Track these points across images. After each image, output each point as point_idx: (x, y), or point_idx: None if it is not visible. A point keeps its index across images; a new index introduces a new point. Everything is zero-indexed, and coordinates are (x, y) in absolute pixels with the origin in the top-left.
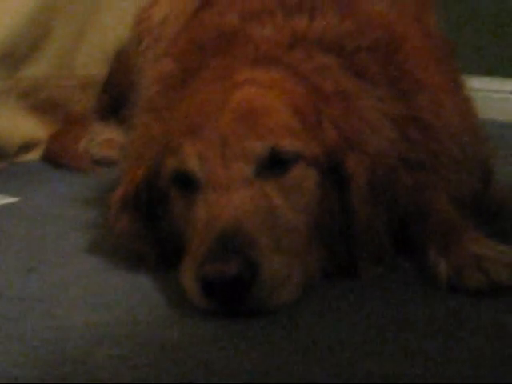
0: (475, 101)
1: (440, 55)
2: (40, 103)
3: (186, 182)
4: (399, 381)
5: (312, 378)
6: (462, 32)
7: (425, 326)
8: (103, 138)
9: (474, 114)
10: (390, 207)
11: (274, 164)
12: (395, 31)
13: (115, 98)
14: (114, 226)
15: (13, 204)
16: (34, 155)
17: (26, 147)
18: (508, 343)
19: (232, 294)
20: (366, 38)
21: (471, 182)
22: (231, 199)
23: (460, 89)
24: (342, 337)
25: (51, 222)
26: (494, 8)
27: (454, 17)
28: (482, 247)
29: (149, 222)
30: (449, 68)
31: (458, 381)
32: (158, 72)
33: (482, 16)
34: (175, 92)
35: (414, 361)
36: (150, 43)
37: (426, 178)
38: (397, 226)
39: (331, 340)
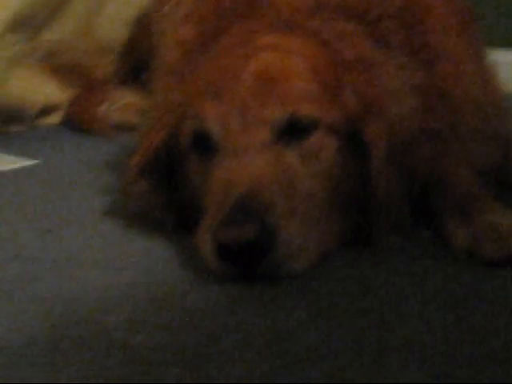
0: (498, 73)
1: (463, 25)
2: (60, 67)
3: (205, 146)
4: (415, 349)
5: (324, 345)
6: (486, 3)
7: (443, 296)
8: (123, 103)
9: (496, 85)
10: (409, 176)
11: (294, 130)
12: (418, 0)
13: (136, 62)
14: (131, 191)
15: (32, 166)
16: (53, 119)
17: (46, 111)
18: None
19: (248, 259)
20: (389, 6)
21: (491, 153)
22: (249, 164)
23: (482, 60)
24: (358, 305)
25: (70, 185)
26: None
27: None
28: (502, 218)
29: (167, 187)
30: (471, 38)
31: (476, 351)
32: (179, 36)
33: None
34: (196, 56)
35: (428, 330)
36: (172, 8)
37: (446, 148)
38: (416, 195)
39: (347, 307)
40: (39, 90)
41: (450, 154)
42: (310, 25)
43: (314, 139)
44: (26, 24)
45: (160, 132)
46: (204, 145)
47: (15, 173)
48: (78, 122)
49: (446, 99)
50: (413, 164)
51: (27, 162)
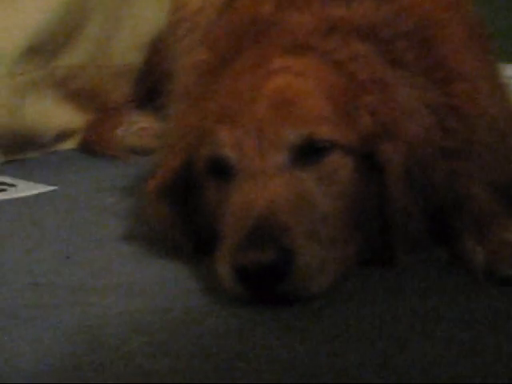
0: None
1: (476, 42)
2: (76, 92)
3: (221, 170)
4: (433, 370)
5: (342, 368)
6: (499, 19)
7: (461, 316)
8: (139, 127)
9: (510, 102)
10: (426, 195)
11: (310, 152)
12: (432, 18)
13: (151, 86)
14: (149, 216)
15: (50, 192)
16: (70, 144)
17: (63, 136)
18: None
19: (267, 282)
20: (403, 26)
21: (508, 170)
22: (266, 187)
23: (496, 77)
24: (376, 326)
25: (88, 210)
26: None
27: (492, 3)
28: None
29: (185, 211)
30: (485, 55)
31: (492, 371)
32: (194, 60)
33: None
34: (211, 80)
35: (448, 351)
36: (186, 32)
37: (463, 166)
38: (433, 215)
39: (363, 330)
40: (55, 115)
41: (467, 172)
42: (323, 47)
43: (330, 161)
44: (41, 50)
45: (177, 157)
46: (220, 169)
47: (34, 199)
48: (94, 147)
49: (461, 118)
50: (429, 183)
51: (45, 188)
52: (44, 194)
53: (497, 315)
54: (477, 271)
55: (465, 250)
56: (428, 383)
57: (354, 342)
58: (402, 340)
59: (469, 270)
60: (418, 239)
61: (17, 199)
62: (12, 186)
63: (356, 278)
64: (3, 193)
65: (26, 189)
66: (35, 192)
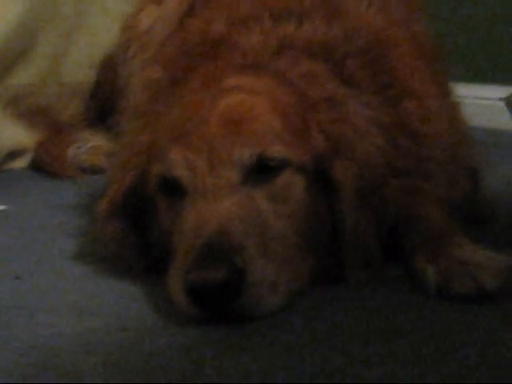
0: (464, 108)
1: (428, 61)
2: (27, 111)
3: (173, 189)
4: None
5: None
6: (450, 38)
7: (413, 333)
8: (91, 146)
9: (463, 120)
10: (378, 213)
11: (262, 170)
12: (383, 37)
13: (103, 105)
14: (101, 234)
15: (0, 212)
16: (21, 163)
17: (14, 155)
18: (497, 351)
19: (219, 301)
20: (354, 44)
21: (459, 188)
22: (218, 206)
23: (448, 95)
24: (331, 343)
25: (39, 229)
26: (483, 13)
27: (443, 23)
28: (471, 253)
29: (136, 230)
30: (437, 74)
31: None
32: (146, 79)
33: (471, 22)
34: (162, 99)
35: (402, 367)
36: (137, 50)
37: (414, 185)
38: (385, 233)
39: (320, 346)
40: (6, 134)
41: (418, 190)
42: (275, 65)
43: (282, 179)
44: None
45: (128, 175)
46: (172, 188)
47: None
48: (45, 166)
49: (412, 136)
50: (381, 201)
51: None
52: None
53: (449, 331)
54: (429, 289)
55: (417, 268)
56: None
57: (307, 360)
58: (358, 357)
59: (421, 288)
60: (370, 257)
61: None
62: None
63: (309, 297)
64: None
65: None
66: None
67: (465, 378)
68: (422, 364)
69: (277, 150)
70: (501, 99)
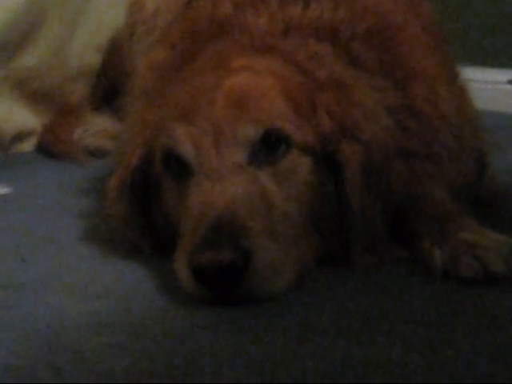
0: (471, 91)
1: (435, 44)
2: (34, 93)
3: (179, 169)
4: (394, 368)
5: (305, 366)
6: (458, 21)
7: (419, 316)
8: (97, 128)
9: (470, 103)
10: (384, 196)
11: (268, 150)
12: (390, 19)
13: (109, 87)
14: (110, 213)
15: (7, 194)
16: (27, 145)
17: (20, 137)
18: (500, 332)
19: (225, 282)
20: (361, 26)
21: (466, 172)
22: (224, 187)
23: (455, 78)
24: (336, 325)
25: (45, 211)
26: None
27: (450, 5)
28: (477, 236)
29: (144, 210)
30: (444, 57)
31: (453, 369)
32: (152, 61)
33: (478, 4)
34: (169, 79)
35: (408, 349)
36: (143, 33)
37: (421, 167)
38: (392, 215)
39: (325, 328)
40: (12, 116)
41: (425, 173)
42: (281, 46)
43: (288, 160)
44: None
45: (135, 153)
46: (178, 167)
47: None
48: (51, 148)
49: (419, 119)
50: (388, 183)
51: (2, 190)
52: (0, 195)
53: (455, 313)
54: (435, 271)
55: (423, 251)
56: (387, 382)
57: (314, 341)
58: (362, 338)
59: (427, 270)
60: (376, 239)
61: None
62: None
63: (315, 278)
64: None
65: None
66: None
67: (471, 361)
68: (427, 347)
69: (282, 128)
70: (508, 82)
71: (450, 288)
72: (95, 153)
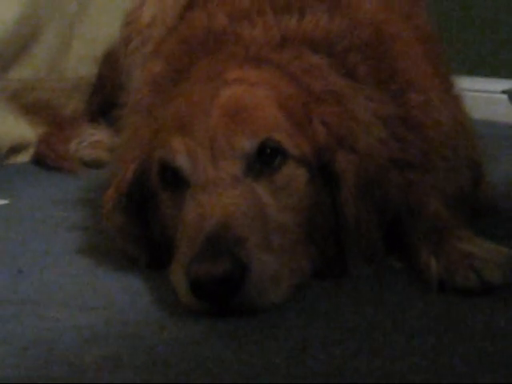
0: (466, 101)
1: (430, 54)
2: (29, 105)
3: (175, 181)
4: (389, 378)
5: (301, 377)
6: (452, 32)
7: (415, 326)
8: (93, 140)
9: (465, 113)
10: (380, 206)
11: (263, 162)
12: (385, 30)
13: (105, 99)
14: (107, 225)
15: (2, 206)
16: (23, 157)
17: (16, 149)
18: (497, 343)
19: (221, 294)
20: (356, 38)
21: (462, 181)
22: (220, 199)
23: (451, 88)
24: (332, 336)
25: (41, 223)
26: (485, 6)
27: (445, 16)
28: (473, 246)
29: (140, 222)
30: (439, 67)
31: (447, 379)
32: (148, 73)
33: (473, 15)
34: (165, 92)
35: (403, 359)
36: (139, 44)
37: (417, 177)
38: (388, 226)
39: (321, 339)
40: (8, 128)
41: (421, 183)
42: (277, 58)
43: (284, 172)
44: None
45: (131, 165)
46: (174, 180)
47: None
48: (47, 160)
49: (415, 129)
50: (383, 194)
51: None
52: None
53: (450, 323)
54: (431, 281)
55: (419, 261)
56: None
57: (310, 351)
58: (359, 350)
59: (424, 281)
60: (372, 250)
61: None
62: None
63: (311, 290)
64: None
65: None
66: None
67: (468, 370)
68: (423, 357)
69: (277, 140)
70: (503, 92)
71: (446, 298)
72: (91, 164)
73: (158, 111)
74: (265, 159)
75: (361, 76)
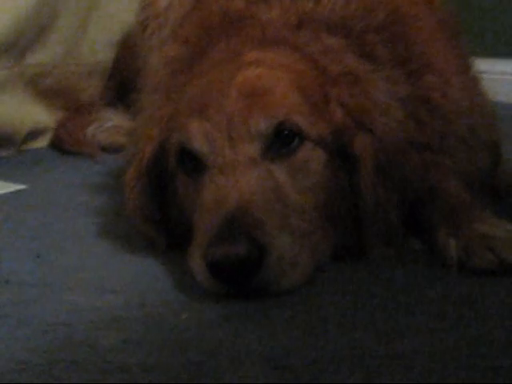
0: (485, 82)
1: (448, 36)
2: (47, 90)
3: (192, 162)
4: (408, 360)
5: (320, 359)
6: (472, 13)
7: (434, 307)
8: (110, 124)
9: (483, 94)
10: (398, 188)
11: (281, 144)
12: (403, 12)
13: (122, 83)
14: (125, 208)
15: (21, 191)
16: (41, 142)
17: (34, 134)
18: None
19: (240, 276)
20: (373, 19)
21: (480, 162)
22: (238, 181)
23: (468, 69)
24: (351, 318)
25: (59, 208)
26: None
27: None
28: (492, 227)
29: (159, 204)
30: (457, 48)
31: (466, 360)
32: (165, 56)
33: None
34: (182, 74)
35: (422, 340)
36: (156, 28)
37: (435, 159)
38: (406, 207)
39: (340, 321)
40: (26, 114)
41: (440, 164)
42: (294, 40)
43: (301, 153)
44: (10, 49)
45: (149, 145)
46: (192, 163)
47: (3, 198)
48: (65, 145)
49: (433, 110)
50: (402, 176)
51: (16, 187)
52: (15, 192)
53: (470, 304)
54: (450, 263)
55: (438, 242)
56: (403, 374)
57: (330, 333)
58: (379, 331)
59: (443, 262)
60: (391, 232)
61: None
62: None
63: (330, 272)
64: None
65: None
66: (6, 191)
67: (489, 351)
68: (443, 338)
69: (295, 121)
70: None
71: (465, 279)
72: (108, 149)
73: (176, 93)
74: (282, 141)
75: (378, 57)
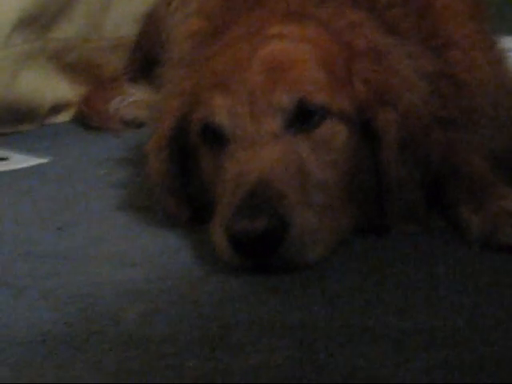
0: (509, 60)
1: (473, 12)
2: (70, 64)
3: (215, 137)
4: (430, 335)
5: (342, 334)
6: None
7: (457, 283)
8: (134, 99)
9: (508, 72)
10: (422, 165)
11: (303, 118)
12: None
13: (146, 58)
14: (149, 174)
15: (43, 165)
16: (64, 117)
17: (57, 109)
18: None
19: (262, 250)
20: None
21: (504, 139)
22: (260, 155)
23: (493, 46)
24: (373, 293)
25: (81, 182)
26: None
27: None
28: None
29: (181, 177)
30: (482, 25)
31: (490, 336)
32: (189, 30)
33: None
34: (205, 48)
35: (445, 316)
36: (180, 4)
37: (459, 135)
38: (430, 184)
39: (362, 297)
40: (49, 88)
41: (463, 140)
42: (319, 14)
43: (324, 127)
44: (33, 22)
45: (171, 117)
46: (214, 137)
47: (27, 171)
48: (88, 120)
49: (457, 86)
50: (425, 152)
51: (38, 161)
52: (37, 166)
53: (493, 281)
54: (473, 239)
55: (461, 219)
56: (427, 349)
57: (351, 309)
58: (400, 306)
59: (465, 239)
60: (414, 208)
61: (10, 172)
62: (5, 159)
63: (351, 248)
64: None
65: (19, 161)
66: (28, 164)
67: (507, 324)
68: (463, 315)
69: (318, 96)
70: None
71: (487, 255)
72: (131, 123)
73: (199, 66)
74: (304, 115)
75: (403, 32)
